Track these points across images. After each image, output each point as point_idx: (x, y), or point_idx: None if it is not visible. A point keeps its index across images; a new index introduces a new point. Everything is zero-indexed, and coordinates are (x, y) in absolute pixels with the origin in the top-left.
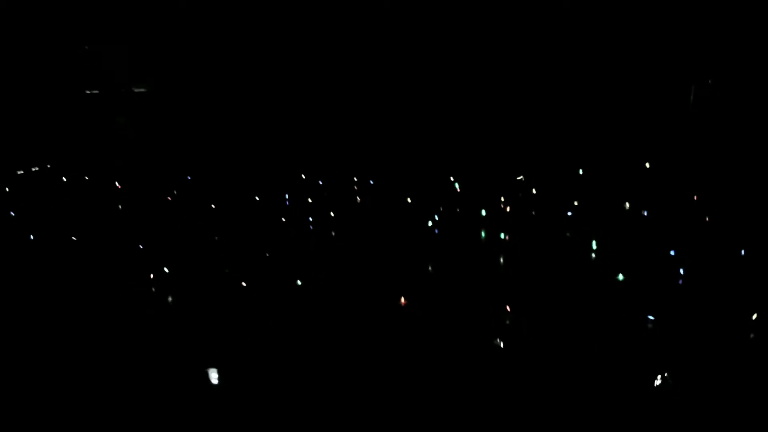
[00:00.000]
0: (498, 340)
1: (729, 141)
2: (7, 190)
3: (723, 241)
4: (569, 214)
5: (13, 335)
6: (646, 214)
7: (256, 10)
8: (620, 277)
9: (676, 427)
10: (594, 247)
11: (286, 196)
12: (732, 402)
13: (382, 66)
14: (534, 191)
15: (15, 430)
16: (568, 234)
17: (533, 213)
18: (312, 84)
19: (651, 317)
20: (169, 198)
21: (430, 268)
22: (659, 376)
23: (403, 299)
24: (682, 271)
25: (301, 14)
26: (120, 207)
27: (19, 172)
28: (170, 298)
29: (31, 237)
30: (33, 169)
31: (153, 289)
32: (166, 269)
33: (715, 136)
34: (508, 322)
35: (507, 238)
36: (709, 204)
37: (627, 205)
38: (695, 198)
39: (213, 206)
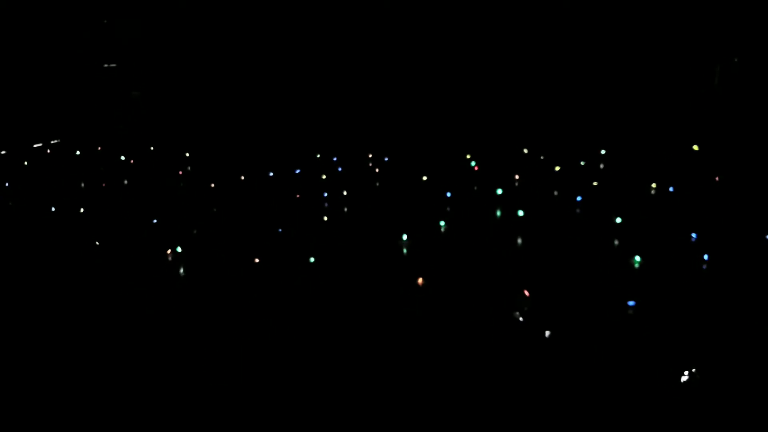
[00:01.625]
0: (517, 314)
1: (753, 123)
2: (25, 163)
3: (746, 225)
4: (578, 198)
5: (21, 317)
6: (672, 189)
7: None
8: (637, 259)
9: (699, 421)
10: (616, 224)
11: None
12: (756, 396)
13: (400, 47)
14: (552, 169)
15: (15, 428)
16: (579, 213)
17: (553, 192)
18: (328, 63)
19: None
20: (181, 173)
21: (444, 247)
22: (685, 372)
23: (420, 279)
24: (706, 256)
25: (322, 4)
26: (133, 182)
27: (36, 146)
28: (182, 271)
29: (53, 209)
30: (52, 142)
31: (167, 264)
32: (179, 248)
33: (739, 118)
34: (526, 308)
35: (523, 214)
36: (732, 186)
37: (653, 185)
38: (717, 179)
39: (224, 178)
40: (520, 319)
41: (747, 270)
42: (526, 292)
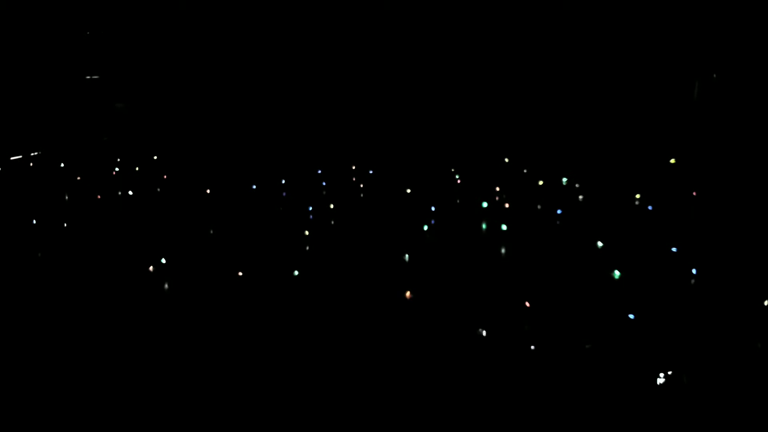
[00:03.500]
0: (480, 330)
1: (733, 136)
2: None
3: (725, 238)
4: (559, 212)
5: (11, 329)
6: (650, 208)
7: (259, 3)
8: (616, 274)
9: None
10: (599, 244)
11: (283, 182)
12: (737, 401)
13: (383, 58)
14: (535, 184)
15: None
16: (559, 223)
17: (537, 206)
18: (312, 75)
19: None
20: (166, 176)
21: (428, 260)
22: (662, 374)
23: (408, 293)
24: (694, 270)
25: (302, 11)
26: (116, 193)
27: (14, 158)
28: (166, 286)
29: (34, 222)
30: (32, 154)
31: (150, 277)
32: (163, 260)
33: (718, 132)
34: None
35: (506, 228)
36: (710, 200)
37: (636, 197)
38: (694, 194)
39: (207, 191)
40: (483, 333)
41: (727, 282)
42: (527, 304)
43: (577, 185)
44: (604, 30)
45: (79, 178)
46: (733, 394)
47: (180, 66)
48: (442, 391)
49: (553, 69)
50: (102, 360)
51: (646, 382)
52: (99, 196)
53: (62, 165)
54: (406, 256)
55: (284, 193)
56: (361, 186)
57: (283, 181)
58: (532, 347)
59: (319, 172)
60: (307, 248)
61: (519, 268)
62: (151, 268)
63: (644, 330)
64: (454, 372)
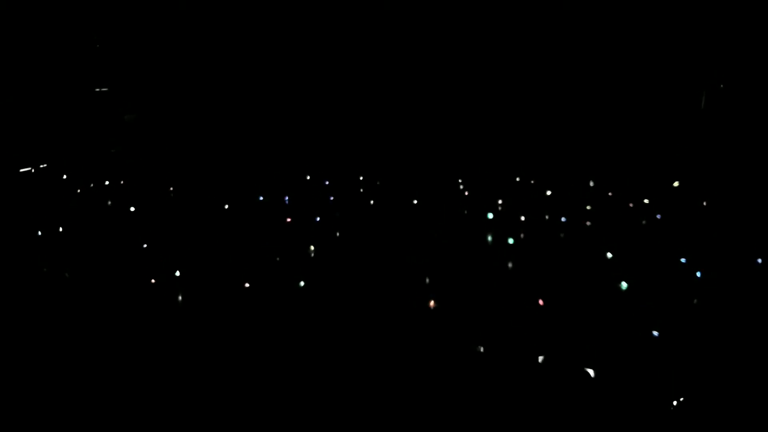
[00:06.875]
0: (479, 348)
1: (741, 146)
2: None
3: (736, 249)
4: (563, 219)
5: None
6: (659, 217)
7: (260, 9)
8: (623, 285)
9: None
10: (609, 255)
11: (286, 199)
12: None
13: (389, 66)
14: (542, 194)
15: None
16: (562, 235)
17: (545, 217)
18: (317, 84)
19: (656, 333)
20: (171, 188)
21: (435, 270)
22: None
23: (432, 302)
24: (698, 274)
25: (303, 14)
26: (122, 205)
27: (22, 170)
28: (180, 298)
29: (39, 233)
30: (41, 166)
31: (156, 288)
32: (177, 273)
33: (726, 141)
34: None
35: (517, 239)
36: (721, 210)
37: (640, 207)
38: (704, 204)
39: (216, 202)
40: (481, 349)
41: (739, 294)
42: (541, 302)
43: (591, 183)
44: (611, 37)
45: (87, 189)
46: (741, 406)
47: (189, 77)
48: (447, 405)
49: (561, 77)
50: (109, 372)
51: (654, 397)
52: (107, 207)
53: (71, 177)
54: (418, 259)
55: (291, 204)
56: (371, 202)
57: (291, 192)
58: (540, 358)
59: (327, 183)
60: (312, 257)
61: (524, 280)
62: (153, 280)
63: (653, 344)
64: (459, 385)
